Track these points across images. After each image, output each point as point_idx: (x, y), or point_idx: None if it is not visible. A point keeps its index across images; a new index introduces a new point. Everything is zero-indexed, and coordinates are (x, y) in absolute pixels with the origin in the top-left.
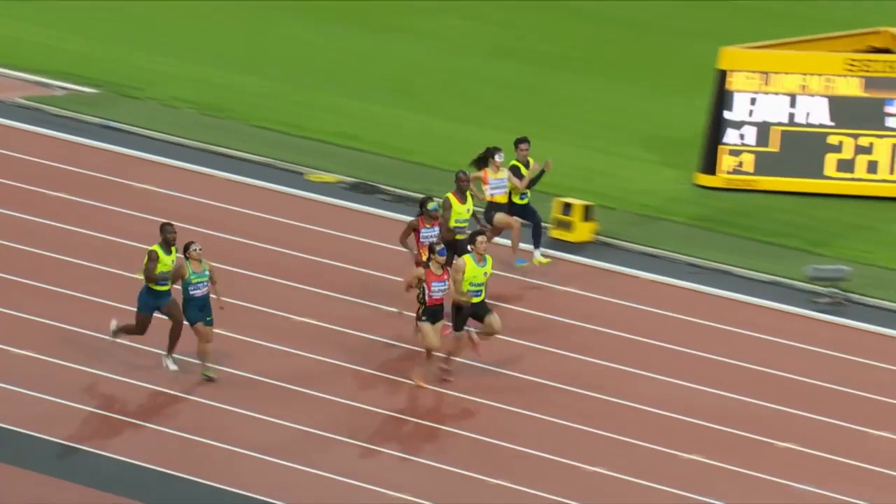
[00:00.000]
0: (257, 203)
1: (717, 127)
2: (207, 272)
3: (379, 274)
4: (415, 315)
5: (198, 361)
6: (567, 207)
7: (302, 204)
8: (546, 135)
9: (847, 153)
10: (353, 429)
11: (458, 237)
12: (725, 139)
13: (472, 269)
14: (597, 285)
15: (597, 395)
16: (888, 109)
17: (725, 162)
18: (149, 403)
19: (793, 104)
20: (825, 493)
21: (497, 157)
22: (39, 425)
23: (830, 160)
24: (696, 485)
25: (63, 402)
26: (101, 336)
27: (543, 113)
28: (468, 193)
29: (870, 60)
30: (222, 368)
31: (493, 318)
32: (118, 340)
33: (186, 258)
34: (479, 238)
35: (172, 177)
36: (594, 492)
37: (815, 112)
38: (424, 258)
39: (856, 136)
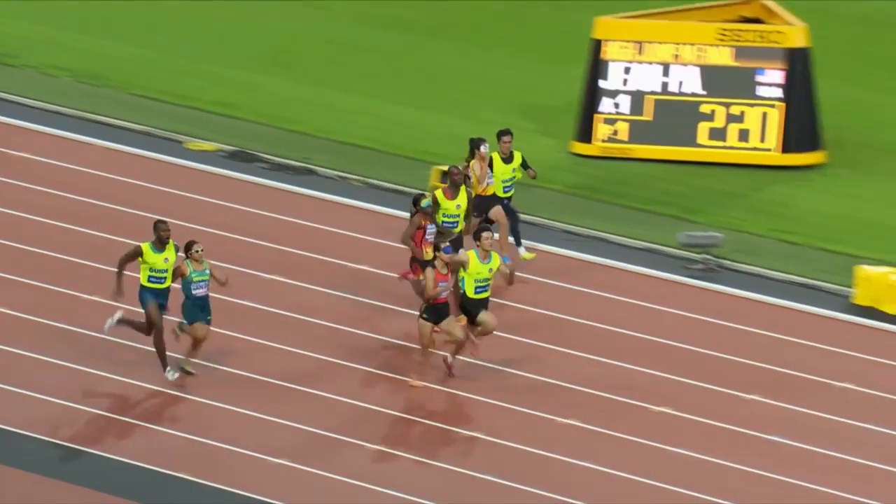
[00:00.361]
0: (137, 171)
1: (592, 96)
2: (208, 272)
3: (259, 242)
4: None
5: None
6: (444, 176)
7: (181, 172)
8: (422, 104)
9: (719, 122)
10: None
11: (447, 229)
12: (600, 108)
13: (476, 266)
14: None
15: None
16: (759, 78)
17: (600, 130)
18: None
19: (666, 73)
20: (700, 456)
21: (482, 149)
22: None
23: (703, 128)
24: (573, 449)
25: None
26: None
27: (419, 82)
28: (462, 189)
29: (740, 30)
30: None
31: (486, 315)
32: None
33: (187, 258)
34: (485, 234)
35: (50, 145)
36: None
37: (687, 81)
38: (427, 256)
39: (727, 105)
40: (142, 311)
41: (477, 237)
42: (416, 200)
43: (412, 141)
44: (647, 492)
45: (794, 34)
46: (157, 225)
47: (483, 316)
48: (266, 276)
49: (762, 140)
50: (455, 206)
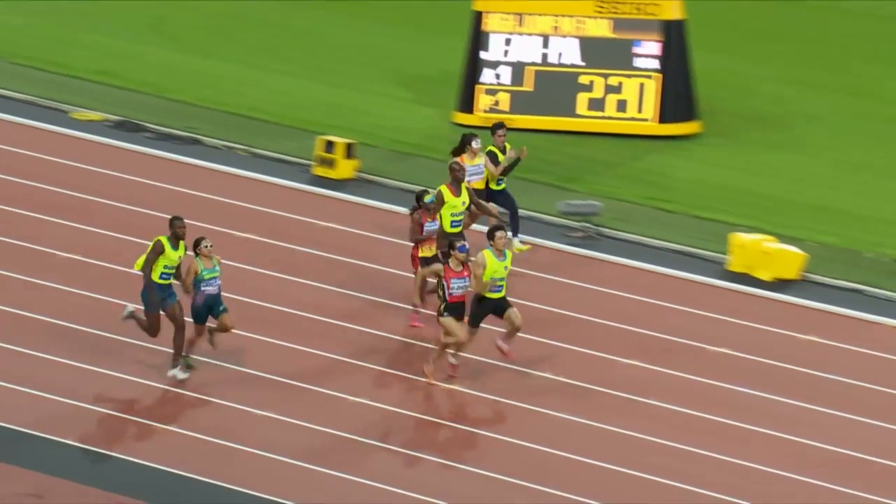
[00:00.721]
0: (22, 141)
1: (474, 67)
2: (218, 268)
3: (148, 212)
4: (436, 312)
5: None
6: (329, 145)
7: (68, 142)
8: (306, 74)
9: (597, 92)
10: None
11: (454, 230)
12: (482, 79)
13: (493, 264)
14: (359, 221)
15: (345, 324)
16: (636, 50)
17: (482, 101)
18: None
19: (546, 45)
20: (577, 419)
21: (474, 144)
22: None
23: (582, 99)
24: (460, 415)
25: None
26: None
27: (302, 52)
28: (463, 185)
29: (618, 3)
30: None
31: (514, 313)
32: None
33: (196, 254)
34: (499, 233)
35: None
36: None
37: (566, 52)
38: (423, 254)
39: (605, 76)
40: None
41: (491, 237)
42: (420, 197)
43: (296, 110)
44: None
45: (670, 6)
46: (174, 221)
47: (509, 312)
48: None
49: (640, 110)
50: (461, 203)
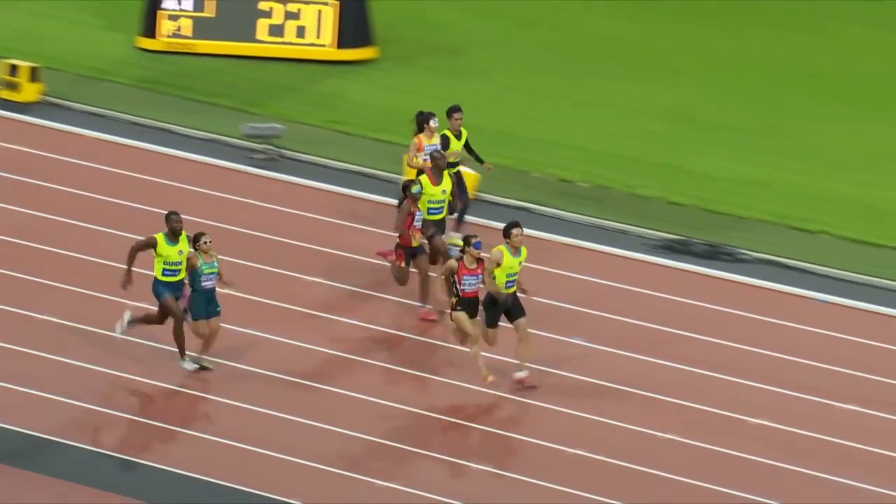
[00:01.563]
0: None
1: None
2: (216, 264)
3: None
4: (448, 310)
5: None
6: (13, 69)
7: None
8: None
9: (277, 18)
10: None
11: (434, 217)
12: (164, 4)
13: (509, 261)
14: (45, 143)
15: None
16: None
17: (164, 26)
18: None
19: None
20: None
21: (432, 123)
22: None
23: (262, 25)
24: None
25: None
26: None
27: None
28: (445, 173)
29: None
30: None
31: (524, 323)
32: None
33: (196, 249)
34: (515, 230)
35: None
36: None
37: None
38: (415, 243)
39: (284, 3)
40: (147, 305)
41: (507, 234)
42: (406, 187)
43: None
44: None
45: None
46: (170, 216)
47: (519, 321)
48: None
49: (318, 36)
50: (440, 192)
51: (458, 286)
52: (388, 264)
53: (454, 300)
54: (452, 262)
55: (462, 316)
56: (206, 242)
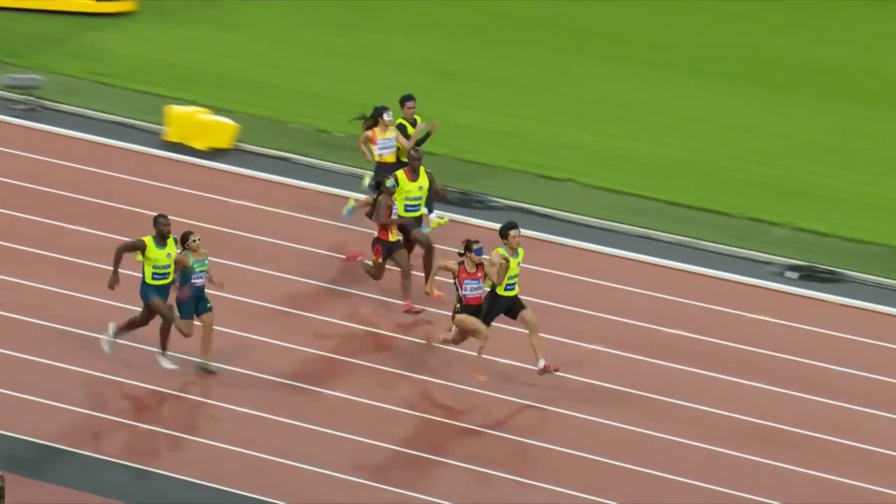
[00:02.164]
0: None
1: None
2: (206, 262)
3: None
4: (455, 313)
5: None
6: None
7: None
8: None
9: None
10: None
11: (411, 214)
12: None
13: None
14: None
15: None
16: None
17: None
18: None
19: None
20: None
21: (385, 116)
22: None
23: None
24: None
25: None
26: None
27: None
28: (422, 170)
29: None
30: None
31: (529, 313)
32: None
33: (185, 248)
34: (512, 232)
35: None
36: None
37: None
38: (392, 238)
39: None
40: (134, 308)
41: (504, 235)
42: (381, 182)
43: None
44: None
45: None
46: (158, 220)
47: (524, 313)
48: None
49: None
50: (417, 188)
51: (460, 291)
52: (366, 262)
53: (458, 306)
54: (453, 264)
55: (465, 316)
56: (194, 241)
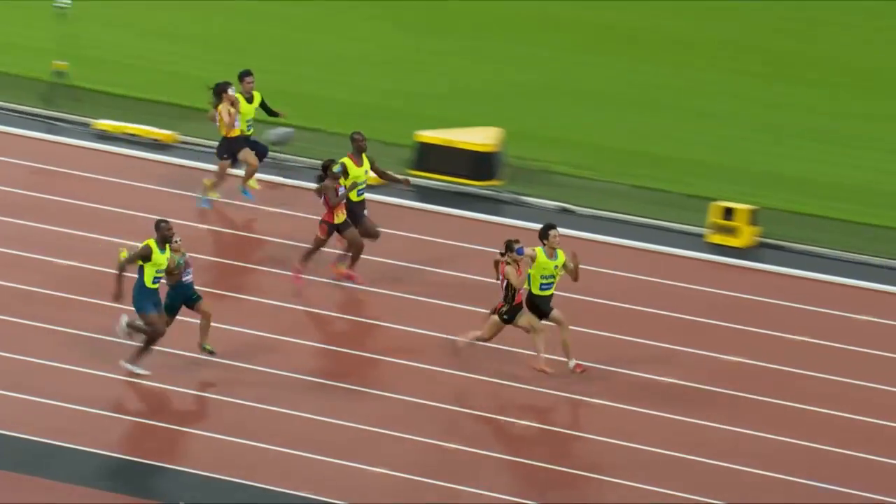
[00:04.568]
0: None
1: None
2: (186, 255)
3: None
4: (495, 311)
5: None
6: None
7: None
8: None
9: None
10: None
11: (360, 198)
12: None
13: (543, 262)
14: None
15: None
16: None
17: None
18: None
19: None
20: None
21: (230, 91)
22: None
23: None
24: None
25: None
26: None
27: None
28: (364, 155)
29: None
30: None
31: (558, 314)
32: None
33: (171, 251)
34: (552, 232)
35: None
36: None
37: None
38: (338, 220)
39: None
40: (147, 311)
41: (545, 235)
42: (327, 167)
43: None
44: None
45: None
46: (160, 224)
47: (555, 314)
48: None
49: None
50: (363, 173)
51: (511, 290)
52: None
53: (505, 307)
54: (511, 270)
55: (494, 319)
56: (176, 242)
